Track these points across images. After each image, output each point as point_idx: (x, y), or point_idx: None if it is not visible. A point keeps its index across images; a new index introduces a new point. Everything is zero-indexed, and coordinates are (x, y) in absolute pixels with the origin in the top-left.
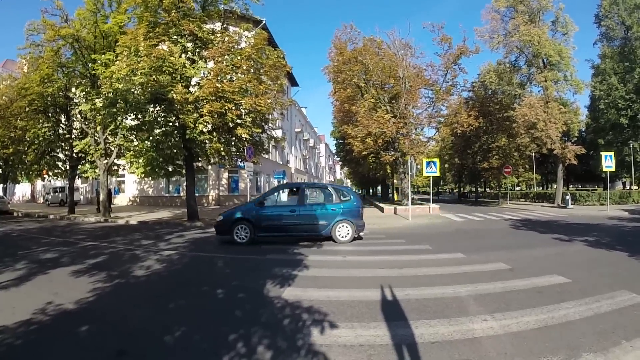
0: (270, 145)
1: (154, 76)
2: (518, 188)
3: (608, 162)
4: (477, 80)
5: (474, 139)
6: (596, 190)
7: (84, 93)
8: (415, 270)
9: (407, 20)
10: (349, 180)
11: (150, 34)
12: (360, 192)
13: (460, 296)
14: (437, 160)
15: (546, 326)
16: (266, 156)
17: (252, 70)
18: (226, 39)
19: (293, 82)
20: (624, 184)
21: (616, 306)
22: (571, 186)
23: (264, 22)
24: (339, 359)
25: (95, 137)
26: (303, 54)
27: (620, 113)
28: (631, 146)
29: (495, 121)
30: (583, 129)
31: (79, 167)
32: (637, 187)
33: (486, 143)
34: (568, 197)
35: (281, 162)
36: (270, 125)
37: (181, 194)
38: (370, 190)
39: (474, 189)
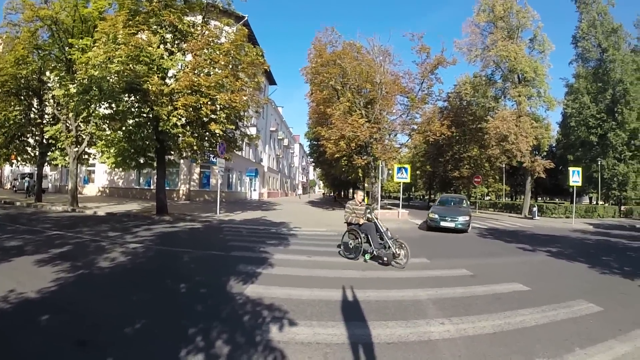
0: (244, 143)
1: (130, 65)
2: (488, 198)
3: (575, 177)
4: (452, 91)
5: (447, 148)
6: (563, 203)
7: (58, 78)
8: (378, 273)
9: (389, 27)
10: (321, 182)
11: (130, 22)
12: (332, 194)
13: (420, 299)
14: (408, 166)
15: (502, 331)
16: (239, 153)
17: (230, 66)
18: (206, 32)
19: (271, 81)
20: (590, 199)
21: (573, 315)
22: (539, 198)
23: (246, 18)
24: (295, 356)
25: (67, 124)
26: (283, 53)
27: (591, 131)
28: (599, 163)
29: (468, 132)
30: (554, 144)
31: (48, 154)
32: (603, 203)
33: (458, 152)
34: (535, 208)
35: (254, 160)
36: (244, 122)
37: (151, 187)
38: (342, 193)
39: None
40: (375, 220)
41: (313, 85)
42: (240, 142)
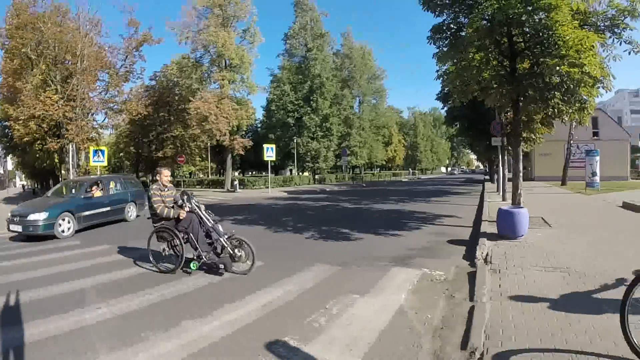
0: None
1: None
2: (202, 176)
3: (269, 152)
4: (160, 71)
5: (151, 128)
6: (266, 176)
7: None
8: (54, 269)
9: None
10: (23, 174)
11: None
12: (34, 186)
13: (85, 288)
14: (105, 148)
15: (152, 304)
16: None
17: None
18: None
19: None
20: (290, 171)
21: (228, 275)
22: (248, 173)
23: None
24: None
25: None
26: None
27: (289, 114)
28: (295, 141)
29: (174, 112)
30: (258, 125)
31: None
32: (301, 173)
33: (162, 132)
34: (236, 182)
35: None
36: None
37: None
38: (43, 184)
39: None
40: (198, 211)
41: (5, 52)
42: None
